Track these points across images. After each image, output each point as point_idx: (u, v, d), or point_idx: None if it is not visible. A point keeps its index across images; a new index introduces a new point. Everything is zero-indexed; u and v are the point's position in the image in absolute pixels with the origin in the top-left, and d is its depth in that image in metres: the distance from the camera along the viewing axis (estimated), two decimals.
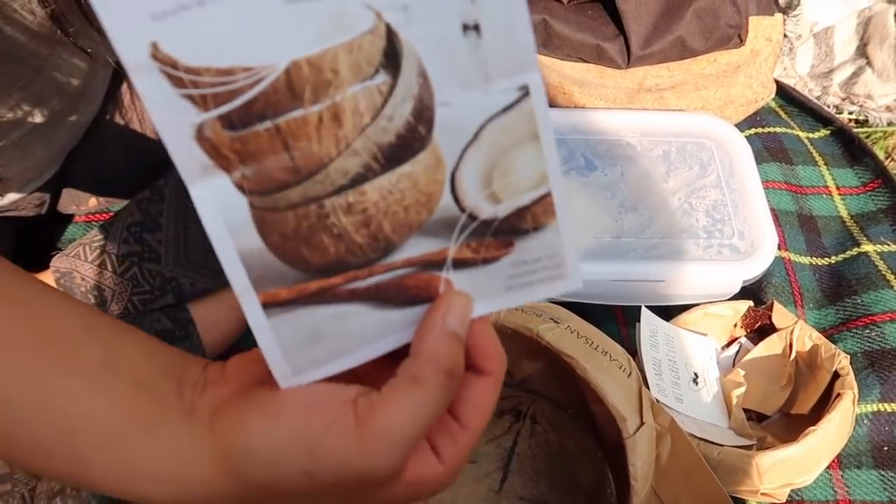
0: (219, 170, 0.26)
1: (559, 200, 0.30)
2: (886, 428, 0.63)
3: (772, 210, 0.73)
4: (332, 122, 0.27)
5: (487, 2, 0.26)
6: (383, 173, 0.28)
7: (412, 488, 0.30)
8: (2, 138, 0.54)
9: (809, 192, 0.80)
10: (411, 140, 0.28)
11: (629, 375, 0.51)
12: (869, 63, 0.92)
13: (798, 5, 0.88)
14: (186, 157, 0.26)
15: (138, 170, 0.69)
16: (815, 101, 0.90)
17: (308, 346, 0.30)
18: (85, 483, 0.30)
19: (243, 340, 0.65)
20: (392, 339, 0.31)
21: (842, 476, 0.61)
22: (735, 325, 0.67)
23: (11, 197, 0.64)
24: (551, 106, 0.78)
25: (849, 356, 0.61)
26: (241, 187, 0.27)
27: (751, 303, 0.66)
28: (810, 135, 0.86)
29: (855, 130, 0.85)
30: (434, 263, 0.30)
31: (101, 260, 0.60)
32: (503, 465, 0.60)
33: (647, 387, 0.57)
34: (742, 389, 0.61)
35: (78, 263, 0.60)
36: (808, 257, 0.75)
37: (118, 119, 0.67)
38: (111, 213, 0.73)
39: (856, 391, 0.59)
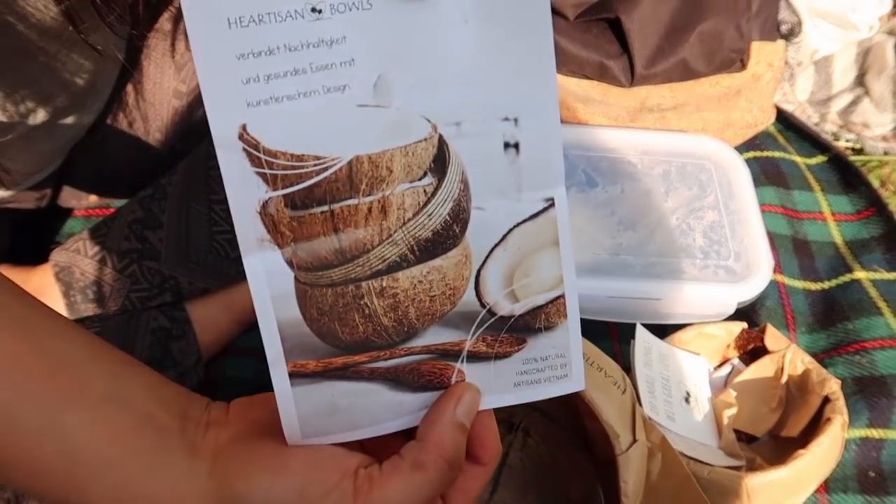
0: (273, 245, 0.30)
1: (571, 303, 0.33)
2: (873, 454, 0.64)
3: (767, 233, 0.74)
4: (380, 214, 0.30)
5: (529, 127, 0.30)
6: (417, 264, 0.31)
7: None
8: (7, 132, 0.54)
9: (805, 216, 0.81)
10: (446, 237, 0.31)
11: (623, 392, 0.51)
12: (867, 92, 0.93)
13: (800, 33, 0.89)
14: (248, 229, 0.29)
15: (139, 169, 0.69)
16: (814, 127, 0.91)
17: (323, 416, 0.32)
18: None
19: (237, 340, 0.65)
20: (401, 421, 0.33)
21: (829, 500, 0.62)
22: (728, 346, 0.68)
23: (13, 189, 0.64)
24: None
25: (839, 381, 0.62)
26: (290, 262, 0.30)
27: (745, 324, 0.67)
28: (807, 160, 0.87)
29: (851, 158, 0.86)
30: (450, 353, 0.33)
31: (100, 256, 0.60)
32: (494, 476, 0.60)
33: (640, 404, 0.58)
34: (733, 410, 0.62)
35: (77, 258, 0.60)
36: (802, 281, 0.76)
37: (122, 119, 0.67)
38: (111, 209, 0.73)
39: (846, 416, 0.59)
